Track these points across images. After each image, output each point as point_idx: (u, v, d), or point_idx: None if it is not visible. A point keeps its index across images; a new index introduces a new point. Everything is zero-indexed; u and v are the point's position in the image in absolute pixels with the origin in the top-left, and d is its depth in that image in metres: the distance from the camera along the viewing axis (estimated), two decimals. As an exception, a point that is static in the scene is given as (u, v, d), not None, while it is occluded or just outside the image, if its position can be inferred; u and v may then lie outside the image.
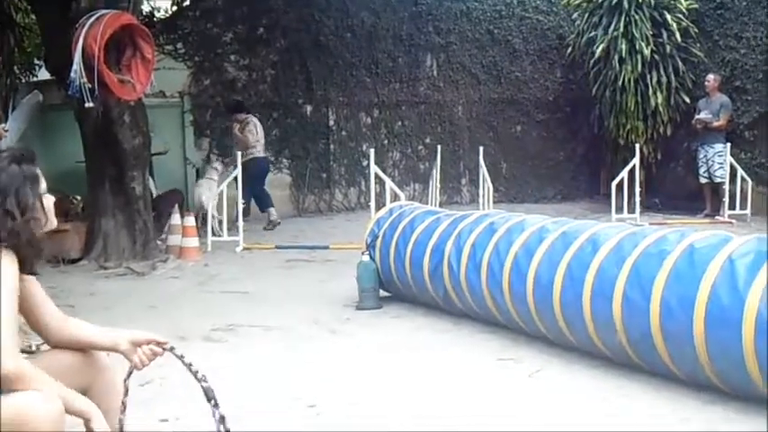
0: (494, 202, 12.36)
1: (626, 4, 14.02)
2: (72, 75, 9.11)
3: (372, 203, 10.54)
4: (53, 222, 3.03)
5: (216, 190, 11.97)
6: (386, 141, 16.17)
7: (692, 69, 14.44)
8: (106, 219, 10.30)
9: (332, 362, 5.62)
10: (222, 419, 3.09)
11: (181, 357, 3.07)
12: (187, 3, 15.24)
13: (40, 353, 3.13)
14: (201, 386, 3.05)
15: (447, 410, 4.58)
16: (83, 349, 3.12)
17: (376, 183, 11.10)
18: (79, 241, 10.31)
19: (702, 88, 13.89)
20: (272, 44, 15.38)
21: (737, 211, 12.94)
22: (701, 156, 13.63)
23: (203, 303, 7.82)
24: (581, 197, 16.60)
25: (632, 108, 14.31)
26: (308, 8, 15.43)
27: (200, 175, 14.38)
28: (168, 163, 14.00)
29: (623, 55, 14.04)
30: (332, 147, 15.77)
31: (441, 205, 12.91)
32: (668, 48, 14.11)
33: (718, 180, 13.33)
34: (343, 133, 15.90)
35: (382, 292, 7.48)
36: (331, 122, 15.81)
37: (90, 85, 9.11)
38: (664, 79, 14.21)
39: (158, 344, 3.12)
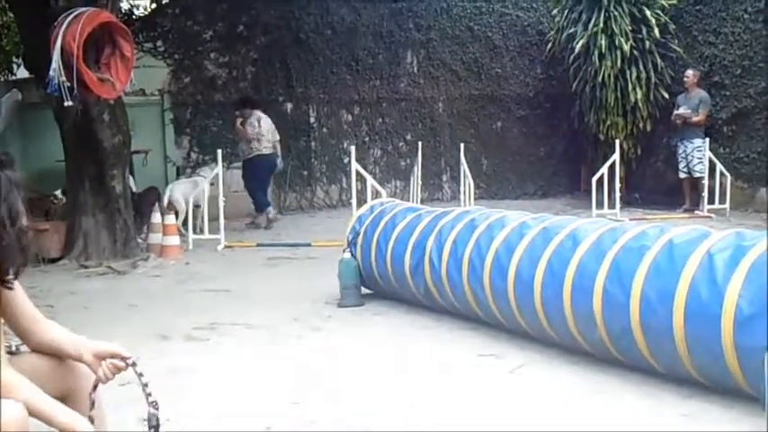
0: (475, 199, 12.37)
1: (605, 1, 14.07)
2: (51, 73, 9.05)
3: (354, 200, 10.54)
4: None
5: (199, 189, 11.90)
6: (367, 138, 16.19)
7: (671, 65, 14.51)
8: (86, 218, 10.25)
9: (314, 359, 5.63)
10: None
11: (140, 375, 2.98)
12: (166, 0, 15.18)
13: (20, 354, 3.09)
14: (149, 411, 2.99)
15: (428, 406, 4.59)
16: (61, 357, 3.08)
17: (357, 180, 11.10)
18: (59, 240, 10.25)
19: (681, 84, 13.96)
20: (252, 41, 15.36)
21: (717, 206, 13.02)
22: (681, 151, 13.70)
23: (185, 302, 7.80)
24: (561, 193, 16.67)
25: (612, 104, 14.37)
26: (288, 5, 15.43)
27: (179, 173, 14.36)
28: (148, 161, 13.93)
29: (603, 51, 14.09)
30: (313, 144, 15.77)
31: (422, 202, 12.93)
32: (647, 43, 14.17)
33: (698, 175, 13.39)
34: (324, 130, 15.90)
35: (364, 290, 7.48)
36: (312, 120, 15.81)
37: (69, 84, 9.05)
38: (643, 75, 14.27)
39: (122, 358, 3.00)
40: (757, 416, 4.04)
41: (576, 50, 14.53)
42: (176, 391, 4.68)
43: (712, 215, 12.72)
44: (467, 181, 12.38)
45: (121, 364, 2.99)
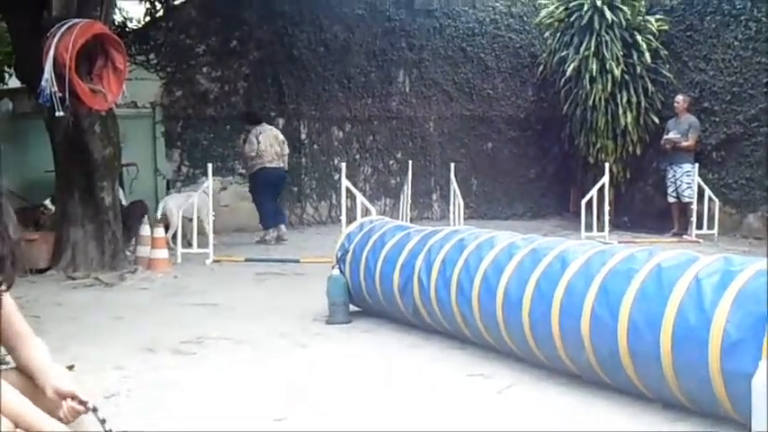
0: (464, 219, 12.39)
1: (597, 25, 14.17)
2: (43, 83, 9.06)
3: (343, 217, 10.54)
4: None
5: (189, 202, 11.90)
6: (357, 156, 16.22)
7: (662, 90, 14.61)
8: (75, 229, 10.22)
9: (301, 376, 5.60)
10: None
11: (102, 422, 2.90)
12: (160, 13, 15.22)
13: (8, 367, 3.06)
14: None
15: (415, 425, 4.57)
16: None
17: (347, 197, 11.10)
18: (47, 251, 10.21)
19: (671, 109, 14.04)
20: (244, 57, 15.42)
21: (705, 231, 13.06)
22: (670, 175, 13.76)
23: (172, 315, 7.76)
24: (551, 214, 16.71)
25: (602, 127, 14.45)
26: (282, 21, 15.51)
27: (169, 186, 14.35)
28: (138, 174, 13.91)
29: (594, 74, 14.19)
30: (303, 160, 15.78)
31: (411, 220, 12.94)
32: (638, 68, 14.28)
33: (687, 200, 13.44)
34: (315, 147, 15.93)
35: (352, 307, 7.46)
36: (303, 136, 15.84)
37: (61, 95, 9.07)
38: (634, 99, 14.36)
39: (80, 401, 2.90)
40: (743, 441, 4.04)
41: (568, 73, 14.63)
42: (161, 405, 4.65)
43: (700, 240, 12.76)
44: (456, 200, 12.40)
45: (81, 408, 2.90)
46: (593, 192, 13.03)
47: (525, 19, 16.97)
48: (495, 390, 5.19)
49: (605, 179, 13.25)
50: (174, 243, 11.26)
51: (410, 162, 14.67)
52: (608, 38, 14.16)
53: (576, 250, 5.41)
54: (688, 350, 4.32)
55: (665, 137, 13.77)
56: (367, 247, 7.26)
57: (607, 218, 13.20)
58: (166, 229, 11.24)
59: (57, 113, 9.20)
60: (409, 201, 13.84)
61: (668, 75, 14.49)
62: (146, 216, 11.26)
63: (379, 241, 7.21)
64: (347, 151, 16.07)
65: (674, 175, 13.68)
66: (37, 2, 9.75)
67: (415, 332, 6.77)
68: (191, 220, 11.70)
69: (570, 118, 15.14)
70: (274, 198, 13.40)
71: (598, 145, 14.60)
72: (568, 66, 14.55)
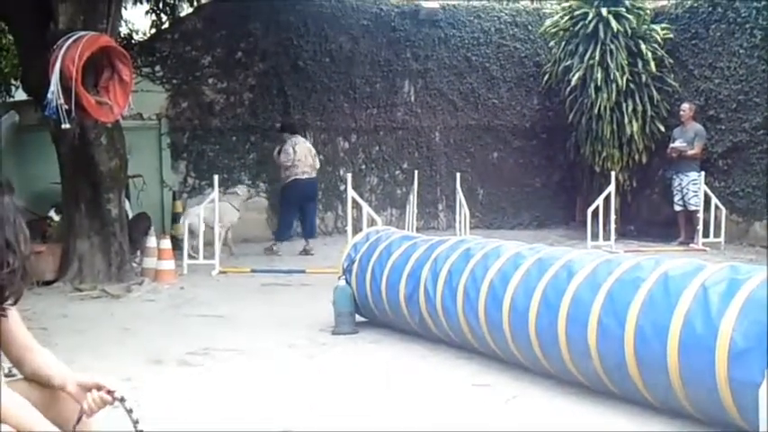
0: (470, 228, 12.39)
1: (602, 34, 14.17)
2: (49, 96, 9.08)
3: (349, 228, 10.56)
4: None
5: (230, 216, 12.21)
6: (363, 166, 16.23)
7: (667, 98, 14.60)
8: (81, 240, 10.24)
9: (307, 386, 5.60)
10: None
11: (129, 411, 2.92)
12: (166, 26, 15.27)
13: (14, 379, 3.06)
14: None
15: (422, 436, 4.57)
16: (49, 387, 3.05)
17: (353, 207, 11.12)
18: (54, 262, 10.23)
19: (677, 117, 14.04)
20: (250, 68, 15.45)
21: (711, 239, 13.02)
22: (676, 184, 13.74)
23: (179, 327, 7.77)
24: (557, 224, 16.67)
25: (608, 136, 14.43)
26: (287, 32, 15.54)
27: (175, 197, 14.38)
28: (144, 185, 13.93)
29: (599, 83, 14.18)
30: (309, 171, 15.76)
31: (417, 230, 12.90)
32: (644, 77, 14.27)
33: (693, 208, 13.42)
34: (321, 157, 15.85)
35: (358, 317, 7.47)
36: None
37: (67, 107, 9.08)
38: (639, 108, 14.35)
39: (108, 391, 2.93)
40: (751, 451, 4.03)
41: (573, 83, 14.61)
42: (168, 417, 4.65)
43: (707, 248, 12.72)
44: (462, 210, 12.41)
45: (108, 398, 2.93)
46: (599, 201, 13.01)
47: (530, 28, 16.95)
48: (502, 400, 5.19)
49: (611, 188, 13.24)
50: (197, 252, 11.27)
51: (416, 172, 14.65)
52: (613, 47, 14.16)
53: (583, 259, 5.40)
54: (695, 359, 4.31)
55: (671, 145, 13.75)
56: (373, 257, 7.26)
57: (613, 227, 13.19)
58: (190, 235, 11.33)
59: (63, 125, 9.22)
60: (415, 211, 13.83)
61: (673, 83, 14.48)
62: (151, 228, 11.27)
63: (385, 251, 7.21)
64: (353, 162, 16.08)
65: (680, 184, 13.66)
66: (43, 14, 9.78)
67: (421, 342, 6.77)
68: (212, 228, 11.78)
69: (576, 127, 15.13)
70: (296, 212, 13.38)
71: (604, 154, 14.58)
72: (573, 75, 14.54)
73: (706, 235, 13.09)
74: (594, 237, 12.88)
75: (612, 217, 13.18)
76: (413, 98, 16.58)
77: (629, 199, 15.08)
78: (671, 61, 14.51)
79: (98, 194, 10.25)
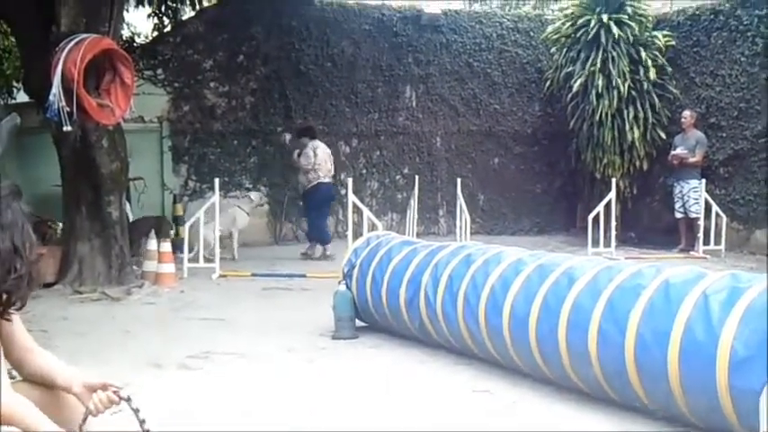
0: (471, 234, 12.38)
1: (603, 40, 14.19)
2: (51, 98, 9.09)
3: (350, 233, 10.56)
4: None
5: (241, 220, 12.35)
6: (364, 171, 16.24)
7: (668, 106, 14.62)
8: (82, 243, 10.23)
9: (307, 391, 5.60)
10: None
11: (136, 411, 2.93)
12: (168, 29, 15.28)
13: (14, 380, 3.07)
14: None
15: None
16: (52, 387, 3.06)
17: (354, 212, 11.11)
18: (54, 265, 10.21)
19: (678, 124, 14.06)
20: (252, 72, 15.46)
21: (712, 247, 13.03)
22: (677, 191, 13.75)
23: (179, 330, 7.77)
24: (557, 230, 16.67)
25: (609, 142, 14.44)
26: (289, 37, 15.54)
27: (176, 200, 14.38)
28: (144, 188, 13.93)
29: (600, 90, 14.20)
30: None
31: (418, 236, 12.93)
32: (645, 84, 14.29)
33: (694, 215, 13.43)
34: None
35: (358, 322, 7.46)
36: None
37: (68, 109, 9.09)
38: (640, 115, 14.36)
39: (114, 391, 2.95)
40: (751, 459, 4.02)
41: (574, 89, 14.63)
42: (168, 420, 4.64)
43: (707, 256, 12.73)
44: (463, 216, 12.41)
45: (115, 397, 2.94)
46: (600, 207, 13.01)
47: (532, 34, 16.98)
48: (501, 405, 5.18)
49: (612, 195, 13.24)
50: (212, 256, 11.31)
51: (417, 177, 14.66)
52: (614, 53, 14.18)
53: (584, 266, 5.40)
54: (696, 366, 4.31)
55: (673, 152, 13.77)
56: (373, 262, 7.26)
57: (614, 233, 13.17)
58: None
59: (64, 128, 9.21)
60: (416, 216, 13.83)
61: (675, 91, 14.51)
62: (161, 231, 11.26)
63: (385, 256, 7.21)
64: (354, 166, 16.09)
65: (681, 191, 13.67)
66: (45, 17, 9.79)
67: (421, 347, 6.76)
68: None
69: (577, 133, 15.13)
70: (326, 215, 13.39)
71: (605, 160, 14.59)
72: (575, 81, 14.56)
73: (707, 242, 13.10)
74: (595, 243, 12.87)
75: (613, 224, 13.17)
76: (414, 103, 16.59)
77: (630, 206, 15.07)
78: (672, 69, 14.52)
79: (99, 197, 10.25)
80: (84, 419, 2.94)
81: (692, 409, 4.43)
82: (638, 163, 14.62)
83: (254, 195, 13.54)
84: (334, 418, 4.98)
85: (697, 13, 14.47)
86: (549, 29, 15.84)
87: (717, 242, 13.08)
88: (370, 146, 16.35)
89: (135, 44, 15.00)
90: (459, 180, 13.47)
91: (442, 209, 16.72)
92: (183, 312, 8.74)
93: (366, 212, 10.55)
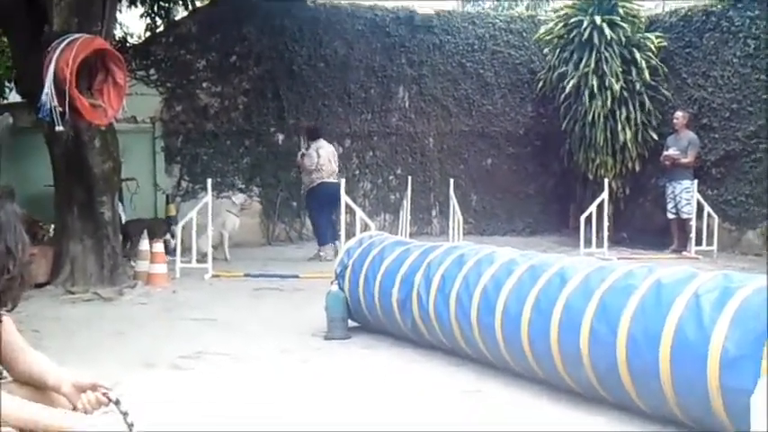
0: (463, 234, 12.39)
1: (596, 41, 14.21)
2: (43, 98, 9.06)
3: (342, 233, 10.55)
4: None
5: (230, 224, 12.43)
6: (357, 171, 16.22)
7: (661, 107, 14.65)
8: (74, 243, 10.20)
9: (299, 391, 5.60)
10: None
11: (125, 415, 2.90)
12: (160, 29, 15.26)
13: (4, 381, 3.06)
14: None
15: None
16: (42, 387, 3.05)
17: (346, 212, 11.10)
18: (46, 265, 10.17)
19: (670, 125, 14.08)
20: (244, 72, 15.44)
21: (704, 247, 13.05)
22: (669, 192, 13.77)
23: (171, 330, 7.75)
24: (550, 231, 16.68)
25: (601, 143, 14.46)
26: (282, 37, 15.54)
27: (169, 201, 14.35)
28: (137, 189, 13.90)
29: (593, 91, 14.22)
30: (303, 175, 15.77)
31: (411, 236, 12.94)
32: (637, 85, 14.32)
33: (686, 216, 13.45)
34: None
35: (351, 323, 7.46)
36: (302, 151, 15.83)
37: (61, 109, 9.07)
38: (633, 115, 14.39)
39: (104, 393, 2.94)
40: (742, 458, 4.03)
41: (567, 90, 14.65)
42: (159, 420, 4.64)
43: (699, 256, 12.75)
44: (456, 216, 12.41)
45: (104, 399, 2.94)
46: (593, 208, 13.01)
47: (525, 35, 16.99)
48: (494, 405, 5.19)
49: (604, 195, 13.24)
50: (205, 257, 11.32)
51: (409, 178, 14.67)
52: (607, 54, 14.20)
53: (576, 267, 5.41)
54: (687, 366, 4.32)
55: (665, 153, 13.79)
56: (366, 262, 7.26)
57: (606, 234, 13.18)
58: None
59: (57, 128, 9.20)
60: (408, 216, 13.84)
61: (667, 92, 14.54)
62: (167, 233, 11.27)
63: (378, 257, 7.21)
64: (347, 167, 16.04)
65: (673, 192, 13.70)
66: (38, 17, 9.77)
67: (413, 348, 6.76)
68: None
69: (569, 134, 15.15)
70: (330, 215, 13.35)
71: (597, 161, 14.61)
72: (568, 82, 14.58)
73: (699, 243, 13.13)
74: (587, 244, 12.88)
75: (605, 224, 13.18)
76: (407, 104, 16.59)
77: (622, 206, 15.09)
78: (665, 69, 14.55)
79: (91, 197, 10.21)
80: None
81: (683, 408, 4.44)
82: (630, 164, 14.65)
83: (236, 198, 13.41)
84: (326, 418, 4.97)
85: (689, 14, 14.51)
86: (542, 30, 15.87)
87: (709, 243, 13.11)
88: (363, 146, 16.34)
89: (128, 44, 14.99)
90: (451, 180, 13.47)
91: (434, 209, 16.72)
92: (175, 312, 8.72)
93: (359, 213, 10.54)
